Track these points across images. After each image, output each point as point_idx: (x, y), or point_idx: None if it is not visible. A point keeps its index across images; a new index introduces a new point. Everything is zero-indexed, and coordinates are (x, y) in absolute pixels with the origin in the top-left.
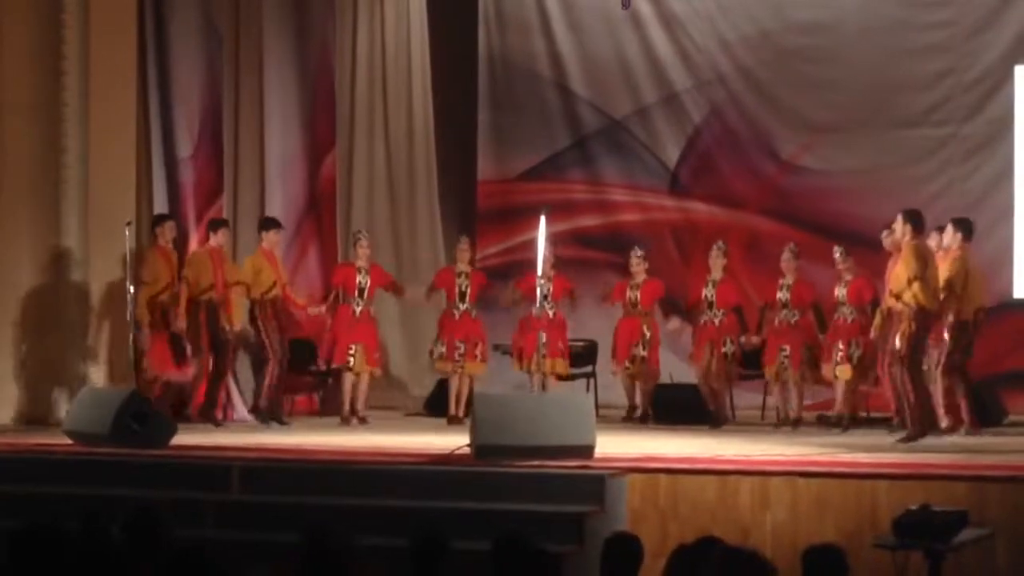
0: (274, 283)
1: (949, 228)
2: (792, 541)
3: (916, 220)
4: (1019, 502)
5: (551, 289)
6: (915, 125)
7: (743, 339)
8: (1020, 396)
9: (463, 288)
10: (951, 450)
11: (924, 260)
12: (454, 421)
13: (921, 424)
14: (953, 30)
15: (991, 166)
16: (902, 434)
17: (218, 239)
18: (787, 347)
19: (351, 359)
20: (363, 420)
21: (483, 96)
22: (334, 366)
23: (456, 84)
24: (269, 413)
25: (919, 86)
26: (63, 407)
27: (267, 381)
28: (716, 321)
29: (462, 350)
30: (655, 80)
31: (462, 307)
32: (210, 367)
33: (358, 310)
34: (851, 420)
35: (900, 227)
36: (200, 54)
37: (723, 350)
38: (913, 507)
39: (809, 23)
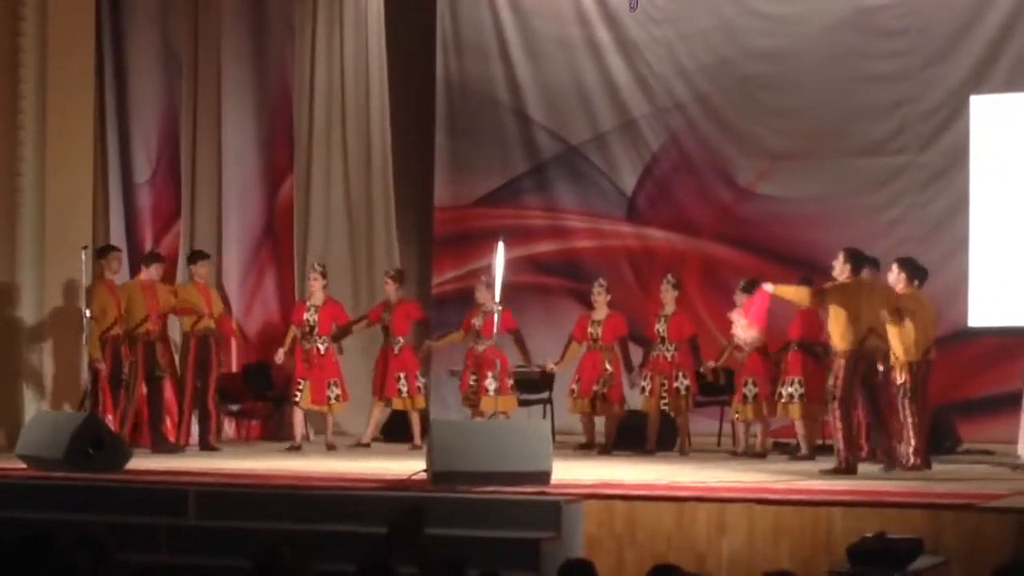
0: (202, 316)
1: (894, 267)
2: (748, 568)
3: (856, 259)
4: (974, 530)
5: (483, 325)
6: (872, 153)
7: (702, 368)
8: (974, 424)
9: (386, 322)
10: (907, 478)
11: (843, 302)
12: (362, 445)
13: (848, 460)
14: (910, 59)
15: (947, 195)
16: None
17: (150, 273)
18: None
19: (297, 394)
20: (330, 447)
21: (440, 121)
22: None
23: (414, 109)
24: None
25: (876, 115)
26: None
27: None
28: (668, 355)
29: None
30: (613, 107)
31: (389, 341)
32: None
33: (307, 347)
34: (810, 450)
35: (840, 265)
36: (158, 79)
37: (675, 384)
38: (869, 535)
39: (767, 51)
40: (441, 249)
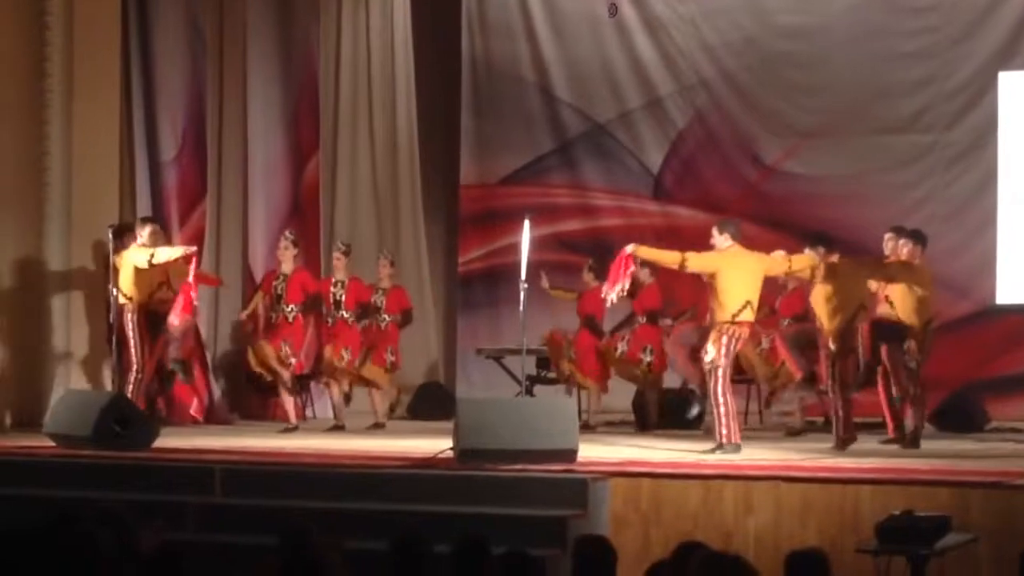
0: (159, 285)
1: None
2: (775, 546)
3: (727, 228)
4: (1002, 508)
5: (385, 302)
6: (899, 131)
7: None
8: (1003, 402)
9: (338, 297)
10: (933, 455)
11: (714, 270)
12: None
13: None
14: (937, 36)
15: (974, 173)
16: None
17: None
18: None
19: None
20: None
21: (466, 100)
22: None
23: (440, 88)
24: None
25: (903, 92)
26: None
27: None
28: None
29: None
30: (639, 85)
31: (337, 315)
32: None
33: (274, 317)
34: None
35: (716, 236)
36: (184, 57)
37: (640, 357)
38: (896, 512)
39: (793, 28)
40: (467, 228)
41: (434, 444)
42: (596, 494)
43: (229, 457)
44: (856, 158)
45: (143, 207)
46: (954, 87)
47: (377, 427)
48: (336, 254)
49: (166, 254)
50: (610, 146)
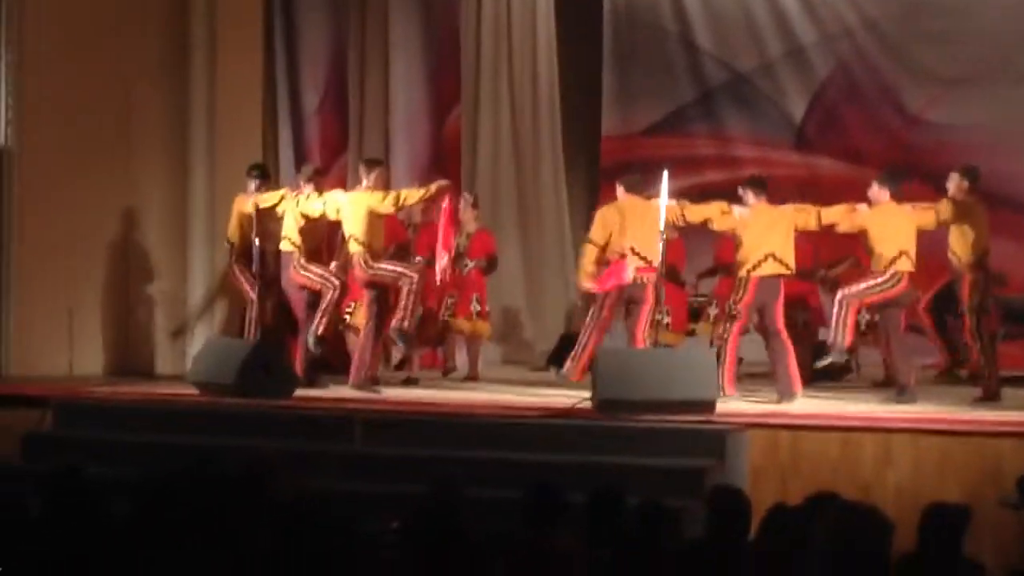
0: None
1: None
2: (914, 499)
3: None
4: None
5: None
6: None
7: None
8: None
9: (460, 249)
10: None
11: None
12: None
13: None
14: None
15: None
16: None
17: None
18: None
19: (347, 315)
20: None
21: (608, 51)
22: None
23: (581, 38)
24: None
25: None
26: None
27: None
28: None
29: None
30: (781, 34)
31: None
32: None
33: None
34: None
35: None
36: (327, 8)
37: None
38: None
39: None
40: (608, 179)
41: (573, 394)
42: (734, 445)
43: (369, 406)
44: (999, 107)
45: (285, 159)
46: None
47: (471, 379)
48: (464, 206)
49: (416, 194)
50: (752, 96)
